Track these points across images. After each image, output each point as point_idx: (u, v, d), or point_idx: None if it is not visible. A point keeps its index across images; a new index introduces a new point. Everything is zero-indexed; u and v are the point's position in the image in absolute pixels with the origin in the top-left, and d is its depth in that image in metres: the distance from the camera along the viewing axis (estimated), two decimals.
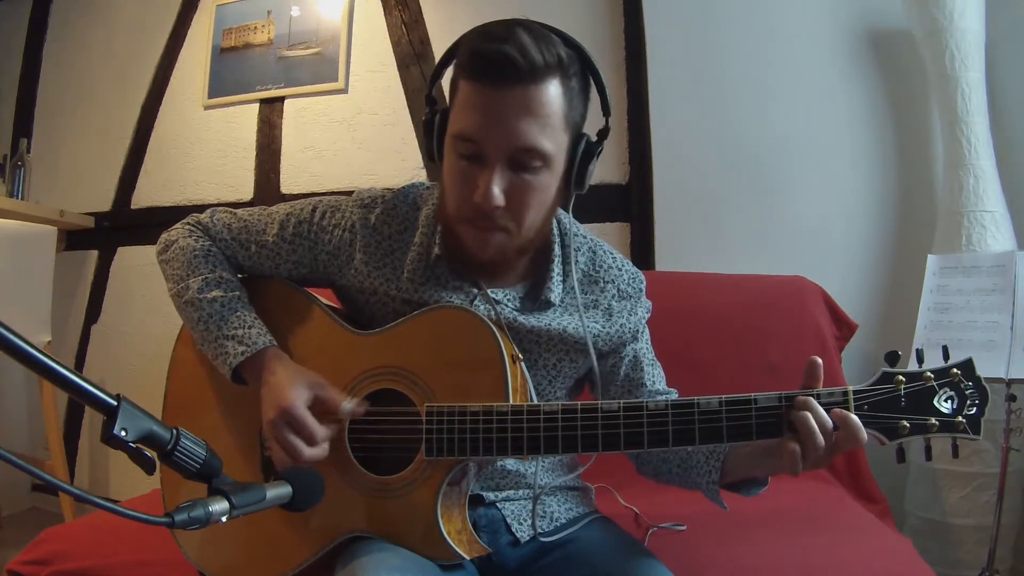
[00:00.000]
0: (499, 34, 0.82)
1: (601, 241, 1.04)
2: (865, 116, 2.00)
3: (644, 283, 1.04)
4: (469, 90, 0.84)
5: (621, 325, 0.99)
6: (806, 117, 2.03)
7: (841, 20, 2.02)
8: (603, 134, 0.91)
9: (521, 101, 0.82)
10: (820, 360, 0.80)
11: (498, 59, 0.80)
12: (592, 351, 0.95)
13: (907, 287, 1.81)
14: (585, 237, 1.02)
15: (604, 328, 0.98)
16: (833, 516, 1.29)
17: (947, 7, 1.73)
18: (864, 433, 0.76)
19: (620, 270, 1.01)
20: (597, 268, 1.00)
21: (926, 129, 1.96)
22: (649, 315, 1.05)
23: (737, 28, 2.09)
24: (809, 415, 0.75)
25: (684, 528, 1.19)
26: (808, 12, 2.04)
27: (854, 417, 0.76)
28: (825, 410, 0.76)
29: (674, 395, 1.04)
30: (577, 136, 0.89)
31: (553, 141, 0.85)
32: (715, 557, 1.08)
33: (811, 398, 0.77)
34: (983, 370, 0.78)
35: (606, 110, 0.90)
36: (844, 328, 1.72)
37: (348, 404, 0.88)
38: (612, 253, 1.03)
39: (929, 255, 1.64)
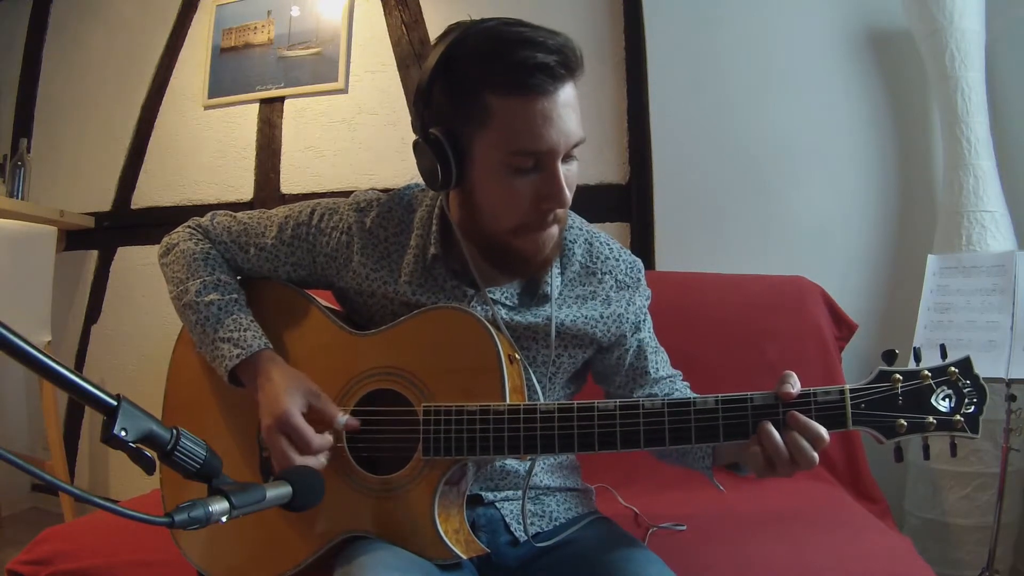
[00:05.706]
0: (534, 40, 0.79)
1: (598, 231, 1.03)
2: (865, 116, 1.99)
3: (643, 271, 1.03)
4: (521, 105, 0.80)
5: (620, 315, 0.99)
6: (806, 117, 2.02)
7: (841, 20, 2.02)
8: None
9: (568, 97, 0.82)
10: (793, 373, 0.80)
11: (550, 63, 0.79)
12: (553, 336, 0.94)
13: (907, 287, 1.81)
14: (581, 229, 1.01)
15: (602, 320, 0.98)
16: (833, 516, 1.29)
17: (947, 7, 1.73)
18: (815, 456, 0.75)
19: (617, 260, 1.01)
20: (594, 259, 0.99)
21: (926, 129, 1.95)
22: (649, 302, 1.04)
23: (737, 28, 2.09)
24: (769, 424, 0.76)
25: (684, 528, 1.19)
26: (808, 12, 2.04)
27: (820, 429, 0.75)
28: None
29: (679, 377, 1.04)
30: None
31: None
32: (715, 557, 1.08)
33: (797, 412, 0.76)
34: (983, 370, 0.77)
35: None
36: (844, 328, 1.72)
37: (343, 418, 0.88)
38: (609, 243, 1.02)
39: (929, 255, 1.63)
